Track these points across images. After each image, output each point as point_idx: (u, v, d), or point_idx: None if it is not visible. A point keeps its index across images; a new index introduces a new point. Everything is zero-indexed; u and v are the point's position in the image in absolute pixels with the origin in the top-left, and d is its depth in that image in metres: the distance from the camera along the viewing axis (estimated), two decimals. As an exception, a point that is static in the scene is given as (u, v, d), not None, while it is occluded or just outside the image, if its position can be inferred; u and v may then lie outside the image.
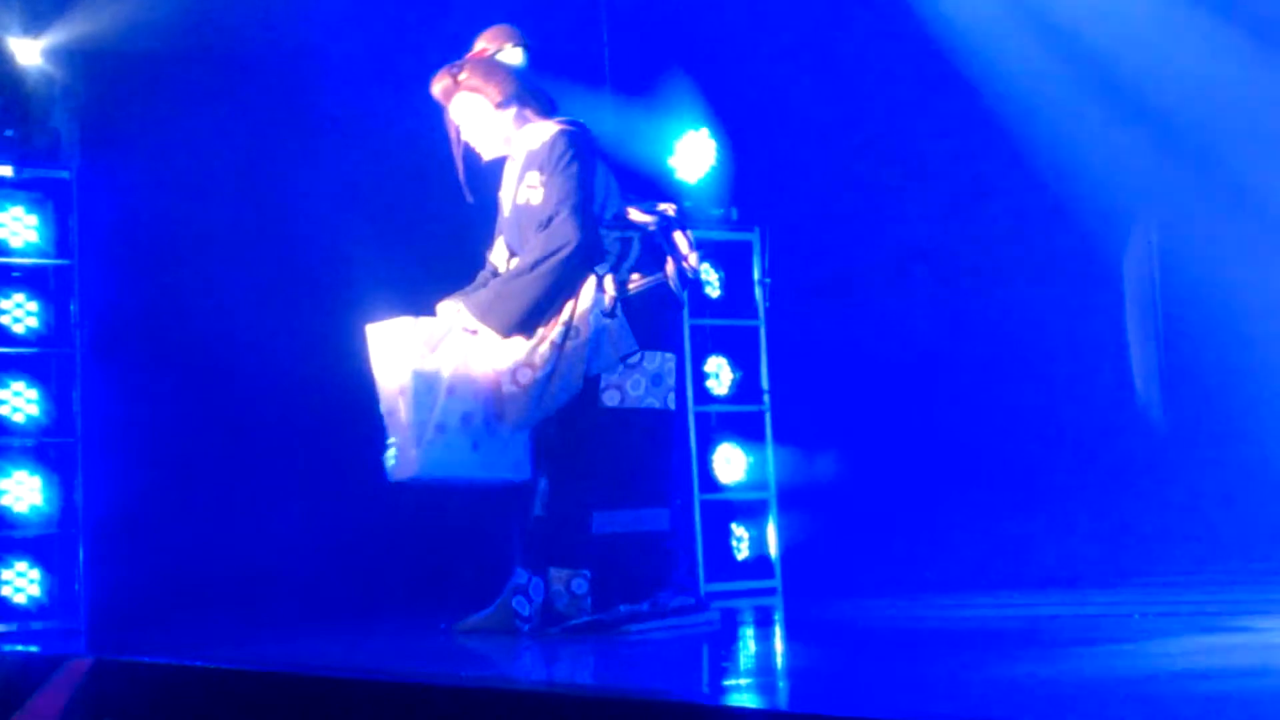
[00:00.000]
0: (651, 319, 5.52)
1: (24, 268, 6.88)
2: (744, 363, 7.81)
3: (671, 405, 5.56)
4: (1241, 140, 8.01)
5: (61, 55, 7.13)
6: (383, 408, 5.47)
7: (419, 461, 5.38)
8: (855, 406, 8.18)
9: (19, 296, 6.87)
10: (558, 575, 5.43)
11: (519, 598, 5.50)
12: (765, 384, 7.81)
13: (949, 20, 8.30)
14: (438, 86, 5.82)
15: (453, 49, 7.72)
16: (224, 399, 7.29)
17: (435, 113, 7.81)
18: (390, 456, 5.46)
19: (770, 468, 7.77)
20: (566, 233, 5.45)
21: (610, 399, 5.47)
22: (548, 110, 5.78)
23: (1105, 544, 7.88)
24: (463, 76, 5.78)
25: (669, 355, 5.58)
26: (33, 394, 6.83)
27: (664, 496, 5.57)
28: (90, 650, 5.49)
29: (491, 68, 5.78)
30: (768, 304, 7.82)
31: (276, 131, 7.45)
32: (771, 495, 7.74)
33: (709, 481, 7.67)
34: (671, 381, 5.55)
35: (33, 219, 6.90)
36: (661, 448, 5.58)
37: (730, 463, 7.73)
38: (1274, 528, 7.91)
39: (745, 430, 7.78)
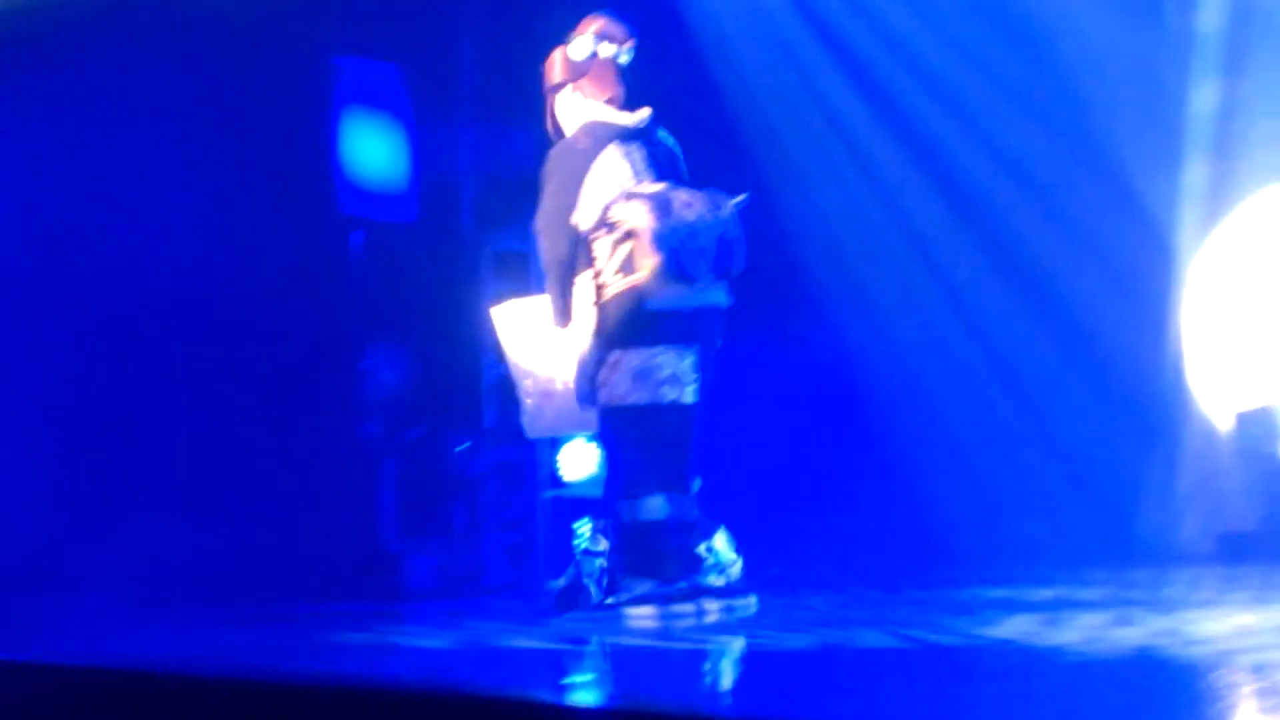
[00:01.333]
0: (627, 319, 5.57)
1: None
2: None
3: (663, 399, 5.60)
4: None
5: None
6: (514, 375, 6.01)
7: (545, 422, 6.00)
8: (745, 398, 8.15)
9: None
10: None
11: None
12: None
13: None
14: None
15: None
16: (95, 369, 7.22)
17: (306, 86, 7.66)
18: (524, 416, 6.03)
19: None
20: (540, 251, 5.81)
21: (600, 396, 5.71)
22: (602, 109, 5.80)
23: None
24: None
25: (657, 350, 5.59)
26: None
27: (656, 485, 5.62)
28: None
29: (552, 56, 5.89)
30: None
31: (162, 85, 7.31)
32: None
33: (555, 479, 7.83)
34: (664, 375, 5.59)
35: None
36: (653, 441, 5.62)
37: (577, 459, 7.79)
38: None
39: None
